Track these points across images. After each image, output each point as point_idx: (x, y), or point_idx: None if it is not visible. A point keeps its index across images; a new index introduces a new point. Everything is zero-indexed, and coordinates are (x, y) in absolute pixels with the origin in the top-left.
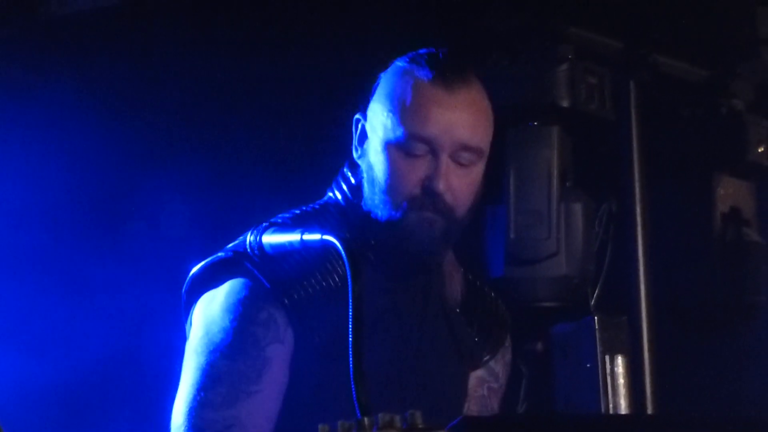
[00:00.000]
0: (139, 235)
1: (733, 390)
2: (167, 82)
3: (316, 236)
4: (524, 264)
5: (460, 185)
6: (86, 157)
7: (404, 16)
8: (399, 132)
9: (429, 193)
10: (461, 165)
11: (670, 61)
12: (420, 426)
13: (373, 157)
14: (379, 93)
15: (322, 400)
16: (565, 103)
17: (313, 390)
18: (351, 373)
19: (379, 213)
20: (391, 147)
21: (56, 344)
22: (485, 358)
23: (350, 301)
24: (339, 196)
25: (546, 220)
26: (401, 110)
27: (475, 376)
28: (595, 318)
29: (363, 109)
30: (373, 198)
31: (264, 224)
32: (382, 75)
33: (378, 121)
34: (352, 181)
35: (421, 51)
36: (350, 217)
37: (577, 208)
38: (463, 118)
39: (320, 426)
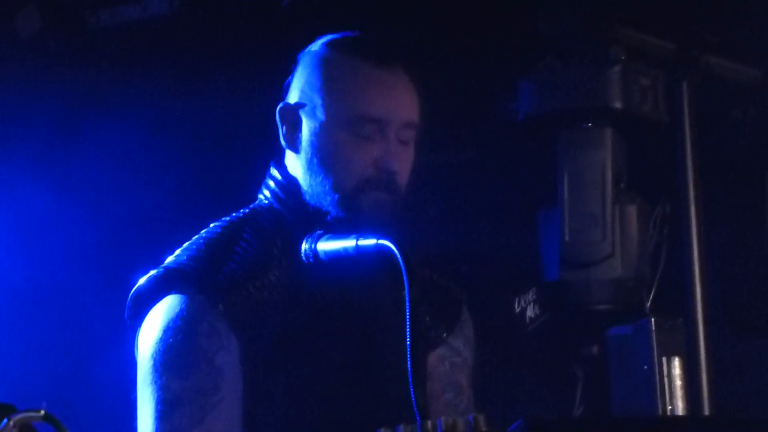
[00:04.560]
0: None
1: None
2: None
3: (371, 241)
4: (579, 267)
5: (405, 164)
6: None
7: (453, 22)
8: (347, 114)
9: (382, 173)
10: (403, 143)
11: (722, 61)
12: (483, 429)
13: (316, 143)
14: (309, 78)
15: (279, 403)
16: (618, 105)
17: (270, 394)
18: (410, 375)
19: (329, 199)
20: (336, 130)
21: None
22: (443, 336)
23: (407, 306)
24: (270, 196)
25: (601, 222)
26: (346, 93)
27: (436, 354)
28: (652, 320)
29: (285, 98)
30: (318, 186)
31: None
32: (302, 59)
33: (318, 106)
34: (280, 178)
35: (339, 35)
36: (287, 216)
37: (632, 210)
38: (405, 96)
39: (382, 429)
